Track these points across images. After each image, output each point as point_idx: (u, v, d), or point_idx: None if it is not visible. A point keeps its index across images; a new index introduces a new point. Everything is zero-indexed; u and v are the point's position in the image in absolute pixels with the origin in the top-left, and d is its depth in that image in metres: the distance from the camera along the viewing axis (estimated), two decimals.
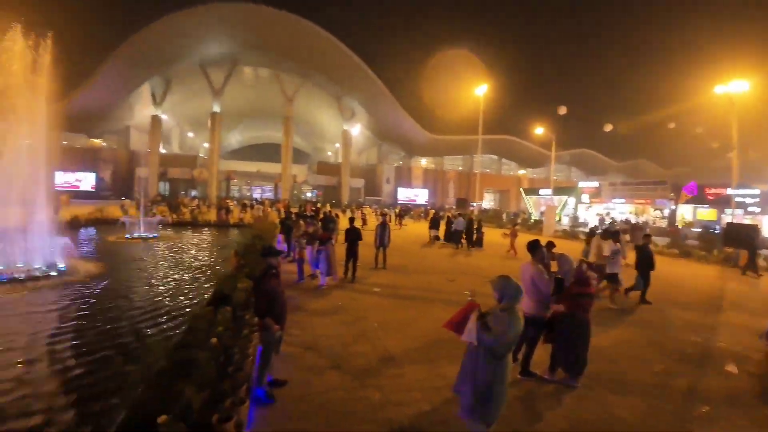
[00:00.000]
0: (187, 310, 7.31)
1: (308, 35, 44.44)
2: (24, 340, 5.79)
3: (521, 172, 73.11)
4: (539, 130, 42.36)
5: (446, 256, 15.83)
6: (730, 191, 26.26)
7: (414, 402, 4.28)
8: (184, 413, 3.00)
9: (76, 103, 40.60)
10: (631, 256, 10.62)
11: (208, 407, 3.24)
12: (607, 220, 30.62)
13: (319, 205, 31.80)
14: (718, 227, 27.71)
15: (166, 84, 50.54)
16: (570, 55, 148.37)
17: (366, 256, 11.46)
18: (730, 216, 24.44)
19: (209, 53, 47.19)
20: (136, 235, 16.93)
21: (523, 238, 9.19)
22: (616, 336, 6.84)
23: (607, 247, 9.25)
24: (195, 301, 7.95)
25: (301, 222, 11.10)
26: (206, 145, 61.26)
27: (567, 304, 4.92)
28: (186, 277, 10.36)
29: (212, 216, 25.92)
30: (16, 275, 9.02)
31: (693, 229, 27.82)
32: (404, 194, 61.97)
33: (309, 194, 61.27)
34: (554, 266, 5.47)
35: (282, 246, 11.64)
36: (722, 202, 29.65)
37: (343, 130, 57.83)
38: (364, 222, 24.36)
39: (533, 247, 5.21)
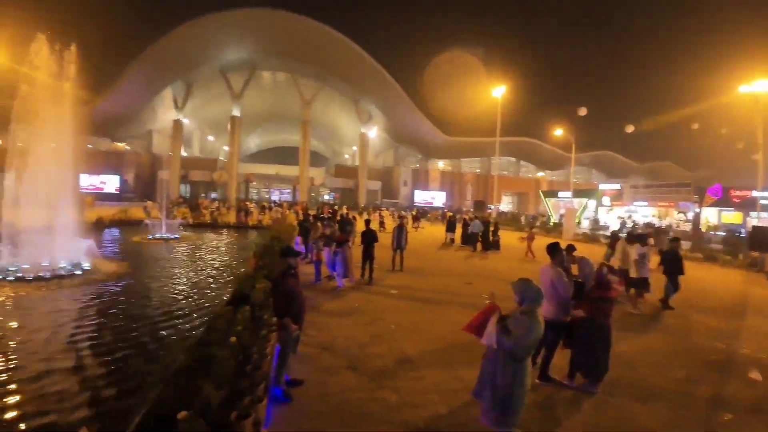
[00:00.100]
0: (207, 308, 7.43)
1: (326, 39, 44.87)
2: (46, 337, 5.93)
3: (540, 174, 72.08)
4: (558, 132, 41.80)
5: (462, 258, 15.74)
6: (755, 193, 25.39)
7: (431, 404, 4.26)
8: (204, 410, 3.05)
9: (101, 108, 41.78)
10: (653, 261, 10.38)
11: (227, 405, 3.29)
12: (629, 224, 30.00)
13: (336, 207, 31.96)
14: (743, 231, 26.89)
15: (187, 89, 51.66)
16: (590, 55, 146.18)
17: (383, 259, 11.49)
18: (755, 219, 23.70)
19: (229, 58, 48.13)
20: (158, 236, 17.35)
21: (543, 241, 9.06)
22: (637, 342, 6.68)
23: (635, 251, 9.03)
24: (215, 300, 8.07)
25: (319, 224, 11.19)
26: (226, 148, 62.44)
27: (586, 308, 4.83)
28: (205, 277, 10.54)
29: (231, 218, 26.35)
30: (42, 274, 9.30)
31: (717, 233, 27.04)
32: (421, 197, 61.76)
33: (326, 197, 61.68)
34: (575, 270, 5.39)
35: (300, 248, 11.75)
36: (748, 205, 28.81)
37: (360, 133, 58.06)
38: (382, 224, 24.35)
39: (553, 249, 5.14)
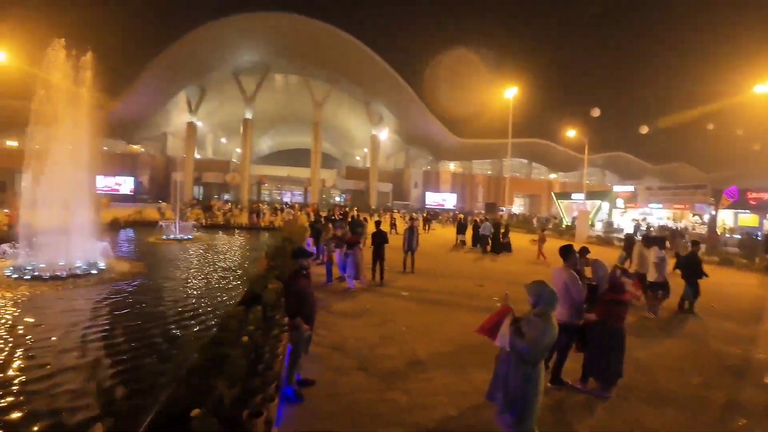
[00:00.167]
0: (220, 308, 7.50)
1: (337, 42, 45.14)
2: (61, 334, 6.03)
3: (552, 176, 71.45)
4: (571, 133, 41.37)
5: (472, 260, 15.67)
6: None
7: (441, 406, 4.25)
8: (216, 408, 3.09)
9: (116, 112, 42.55)
10: (669, 264, 10.21)
11: (239, 403, 3.32)
12: (643, 226, 29.54)
13: (347, 209, 32.00)
14: (760, 234, 26.29)
15: (201, 92, 52.40)
16: (604, 55, 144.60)
17: (394, 260, 11.49)
18: None
19: (242, 61, 48.70)
20: (171, 236, 17.61)
21: (555, 244, 8.98)
22: (652, 346, 6.58)
23: (653, 254, 8.89)
24: (227, 300, 8.15)
25: (330, 225, 11.24)
26: (239, 150, 63.03)
27: (599, 311, 4.78)
28: (218, 277, 10.65)
29: (244, 219, 26.58)
30: (58, 273, 9.48)
31: (733, 236, 26.46)
32: (432, 198, 61.63)
33: (337, 198, 61.92)
34: (588, 272, 5.33)
35: (311, 249, 11.81)
36: (765, 207, 28.17)
37: (371, 135, 58.24)
38: (393, 226, 24.30)
39: (566, 251, 5.09)
